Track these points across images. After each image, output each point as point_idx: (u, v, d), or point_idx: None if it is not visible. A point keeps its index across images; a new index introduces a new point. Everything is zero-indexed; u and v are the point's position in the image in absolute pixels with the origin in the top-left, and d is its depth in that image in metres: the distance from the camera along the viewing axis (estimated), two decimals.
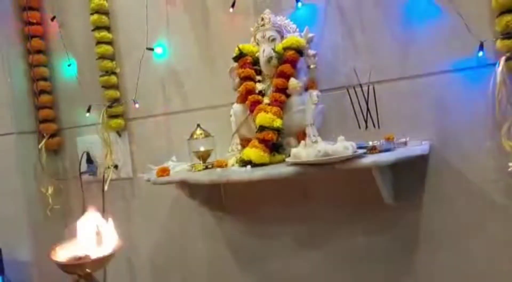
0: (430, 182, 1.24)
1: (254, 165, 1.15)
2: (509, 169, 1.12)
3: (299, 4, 1.33)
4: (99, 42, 1.65)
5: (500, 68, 1.10)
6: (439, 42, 1.20)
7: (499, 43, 1.11)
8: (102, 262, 0.81)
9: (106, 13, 1.66)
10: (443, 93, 1.21)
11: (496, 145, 1.14)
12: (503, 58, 1.10)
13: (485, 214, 1.18)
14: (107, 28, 1.66)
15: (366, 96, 1.17)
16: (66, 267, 0.79)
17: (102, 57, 1.65)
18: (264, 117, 1.19)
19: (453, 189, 1.21)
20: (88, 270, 0.79)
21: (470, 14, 1.14)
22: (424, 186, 1.24)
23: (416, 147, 1.14)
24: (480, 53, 1.13)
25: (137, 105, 1.61)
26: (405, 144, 1.17)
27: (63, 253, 0.81)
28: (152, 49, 1.57)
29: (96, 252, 0.81)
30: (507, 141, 1.11)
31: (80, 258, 0.80)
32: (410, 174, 1.23)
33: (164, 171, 1.25)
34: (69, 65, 1.75)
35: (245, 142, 1.29)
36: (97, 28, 1.64)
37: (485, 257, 1.19)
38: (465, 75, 1.18)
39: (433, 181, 1.23)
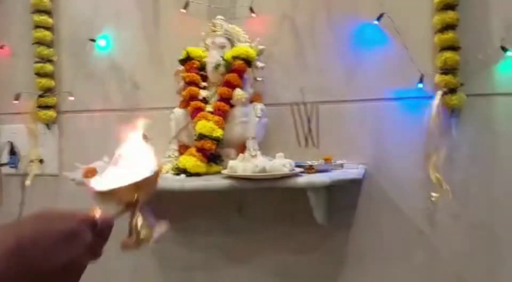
0: (362, 206, 1.26)
1: (189, 174, 1.11)
2: (432, 199, 1.16)
3: (253, 15, 1.31)
4: (37, 26, 1.53)
5: (436, 101, 1.15)
6: (384, 70, 1.24)
7: (437, 78, 1.16)
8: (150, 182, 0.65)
9: None
10: (382, 120, 1.24)
11: (424, 174, 1.19)
12: (439, 92, 1.15)
13: (410, 240, 1.22)
14: (48, 13, 1.55)
15: (309, 115, 1.18)
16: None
17: (39, 42, 1.53)
18: (205, 125, 1.15)
19: (383, 214, 1.24)
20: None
21: (415, 47, 1.19)
22: (356, 209, 1.26)
23: (351, 170, 1.16)
24: (420, 85, 1.18)
25: (71, 98, 1.51)
26: (341, 166, 1.18)
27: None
28: (94, 41, 1.48)
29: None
30: (434, 172, 1.16)
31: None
32: (344, 196, 1.25)
33: (91, 172, 1.17)
34: (1, 47, 1.61)
35: (183, 149, 1.24)
36: (37, 11, 1.52)
37: (406, 281, 1.22)
38: (404, 104, 1.22)
39: (364, 204, 1.26)
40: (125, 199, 0.64)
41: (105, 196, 0.63)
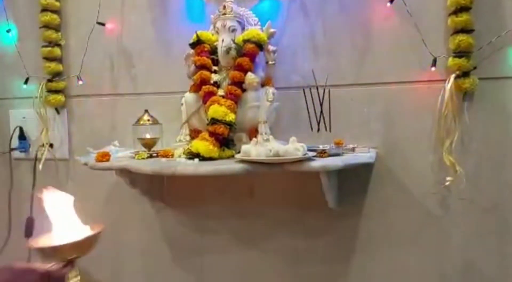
0: (373, 190, 1.26)
1: (202, 158, 1.11)
2: (446, 183, 1.17)
3: None
4: (44, 10, 1.51)
5: (449, 85, 1.14)
6: (396, 53, 1.22)
7: (450, 61, 1.15)
8: (87, 243, 0.72)
9: None
10: (394, 104, 1.23)
11: (437, 159, 1.19)
12: (452, 76, 1.14)
13: (421, 225, 1.23)
14: None
15: (321, 99, 1.17)
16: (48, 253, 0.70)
17: (46, 26, 1.52)
18: (217, 110, 1.15)
19: (394, 198, 1.25)
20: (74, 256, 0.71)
21: (428, 29, 1.17)
22: (366, 192, 1.27)
23: (364, 154, 1.16)
24: (433, 69, 1.17)
25: (80, 82, 1.50)
26: (353, 150, 1.18)
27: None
28: (103, 24, 1.47)
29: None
30: (448, 156, 1.16)
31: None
32: (355, 180, 1.25)
33: (104, 156, 1.17)
34: (8, 31, 1.60)
35: (194, 133, 1.25)
36: None
37: (417, 268, 1.23)
38: (416, 88, 1.21)
39: (375, 188, 1.26)
40: (66, 256, 0.70)
41: (49, 252, 0.68)
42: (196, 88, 1.24)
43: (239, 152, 1.10)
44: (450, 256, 1.21)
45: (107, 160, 1.17)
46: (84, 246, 0.72)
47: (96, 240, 0.74)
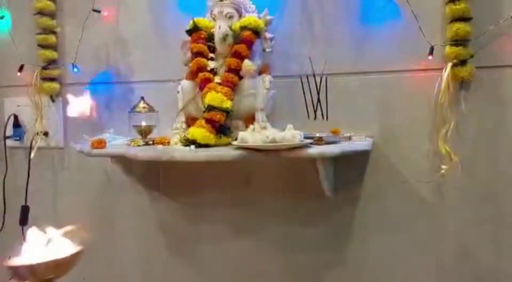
0: (369, 178, 1.27)
1: (198, 145, 1.11)
2: (442, 171, 1.17)
3: None
4: None
5: (446, 73, 1.14)
6: (393, 42, 1.22)
7: (448, 49, 1.15)
8: (68, 263, 0.69)
9: None
10: (391, 92, 1.23)
11: (433, 147, 1.19)
12: (449, 64, 1.14)
13: (416, 213, 1.23)
14: None
15: (318, 87, 1.17)
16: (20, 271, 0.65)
17: (41, 12, 1.50)
18: (214, 96, 1.14)
19: (389, 186, 1.25)
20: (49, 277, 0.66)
21: (425, 17, 1.17)
22: (362, 181, 1.27)
23: (360, 142, 1.16)
24: (430, 57, 1.16)
25: (75, 70, 1.49)
26: (349, 138, 1.18)
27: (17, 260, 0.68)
28: (98, 11, 1.45)
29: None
30: (444, 144, 1.16)
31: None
32: (351, 168, 1.25)
33: (100, 143, 1.17)
34: (1, 18, 1.58)
35: (191, 121, 1.24)
36: None
37: (411, 253, 1.24)
38: (413, 76, 1.21)
39: (371, 176, 1.26)
40: (42, 276, 0.65)
41: (23, 271, 0.64)
42: (192, 75, 1.23)
43: (235, 140, 1.10)
44: (445, 244, 1.21)
45: (103, 147, 1.17)
46: (62, 266, 0.67)
47: (76, 261, 0.68)
